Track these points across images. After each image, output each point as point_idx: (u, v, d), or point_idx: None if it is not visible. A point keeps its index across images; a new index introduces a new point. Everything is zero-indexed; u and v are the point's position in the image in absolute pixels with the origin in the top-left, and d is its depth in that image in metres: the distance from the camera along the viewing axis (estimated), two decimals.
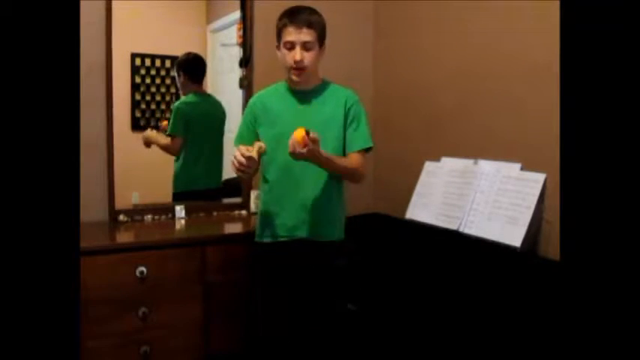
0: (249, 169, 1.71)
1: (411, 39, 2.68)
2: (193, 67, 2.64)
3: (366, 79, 2.90)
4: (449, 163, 2.29)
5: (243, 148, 1.70)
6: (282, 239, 1.91)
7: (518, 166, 2.01)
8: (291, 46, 1.83)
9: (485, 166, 2.10)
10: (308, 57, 1.84)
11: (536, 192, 1.86)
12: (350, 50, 2.85)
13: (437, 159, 2.37)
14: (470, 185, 2.10)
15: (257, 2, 2.62)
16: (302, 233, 1.90)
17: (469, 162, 2.19)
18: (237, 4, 2.62)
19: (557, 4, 1.06)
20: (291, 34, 1.82)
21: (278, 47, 1.89)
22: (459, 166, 2.22)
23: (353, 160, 1.92)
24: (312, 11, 1.87)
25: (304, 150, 1.64)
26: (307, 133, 1.64)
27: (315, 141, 1.67)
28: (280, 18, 1.87)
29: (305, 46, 1.83)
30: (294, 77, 1.88)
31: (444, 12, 2.44)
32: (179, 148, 2.60)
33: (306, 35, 1.82)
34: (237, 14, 2.64)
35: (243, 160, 1.68)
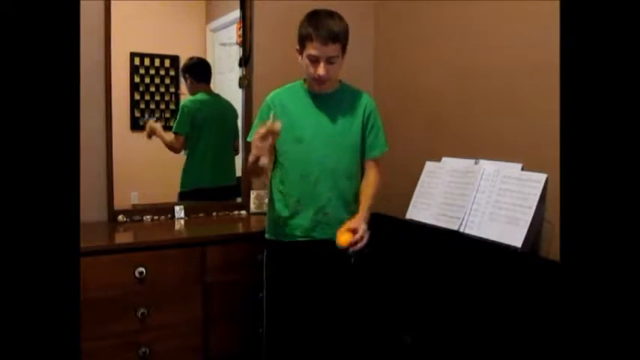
0: (266, 145, 1.61)
1: (411, 39, 2.68)
2: (198, 68, 2.65)
3: (366, 78, 2.89)
4: (450, 163, 2.28)
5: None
6: (299, 239, 1.92)
7: (519, 166, 2.00)
8: (315, 60, 1.79)
9: (486, 166, 2.09)
10: (332, 70, 1.82)
11: (537, 192, 1.85)
12: (350, 50, 2.82)
13: (438, 159, 2.36)
14: (471, 185, 2.10)
15: (257, 2, 2.61)
16: (319, 234, 1.91)
17: (470, 162, 2.18)
18: (237, 3, 2.62)
19: (558, 3, 1.06)
20: (317, 49, 1.77)
21: (299, 52, 1.85)
22: (460, 166, 2.21)
23: (373, 174, 1.98)
24: (336, 19, 1.80)
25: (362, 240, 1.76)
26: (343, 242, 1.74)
27: (356, 231, 1.74)
28: (304, 25, 1.80)
29: (329, 60, 1.80)
30: (315, 86, 1.88)
31: (445, 11, 2.44)
32: (182, 145, 2.61)
33: (332, 51, 1.78)
34: (236, 13, 2.63)
35: (258, 143, 1.61)
